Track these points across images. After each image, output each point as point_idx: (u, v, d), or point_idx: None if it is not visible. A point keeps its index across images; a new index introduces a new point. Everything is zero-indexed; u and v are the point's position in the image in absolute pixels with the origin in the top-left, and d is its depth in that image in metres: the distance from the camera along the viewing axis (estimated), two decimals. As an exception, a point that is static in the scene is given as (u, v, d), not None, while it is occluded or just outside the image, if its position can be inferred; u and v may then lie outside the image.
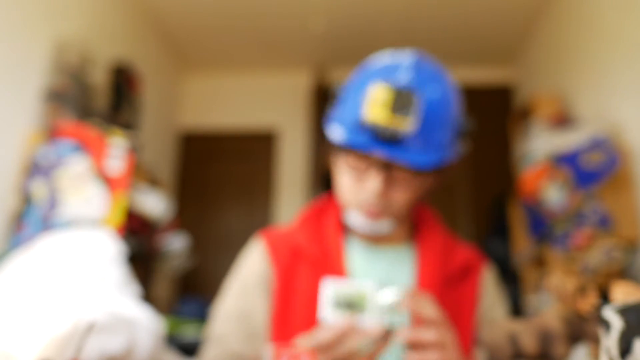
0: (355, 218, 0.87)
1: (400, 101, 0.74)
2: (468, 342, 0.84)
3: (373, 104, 0.74)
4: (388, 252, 0.92)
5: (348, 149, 0.83)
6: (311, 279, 0.87)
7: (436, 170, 0.86)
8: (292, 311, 0.86)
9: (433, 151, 0.80)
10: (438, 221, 0.98)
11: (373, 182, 0.81)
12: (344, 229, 0.94)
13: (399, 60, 0.83)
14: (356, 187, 0.85)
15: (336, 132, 0.85)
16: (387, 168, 0.81)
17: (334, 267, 0.87)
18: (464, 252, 0.93)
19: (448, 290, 0.87)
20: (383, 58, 0.87)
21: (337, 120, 0.86)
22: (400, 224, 0.93)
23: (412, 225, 0.98)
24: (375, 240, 0.92)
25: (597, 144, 2.28)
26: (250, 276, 0.92)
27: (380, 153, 0.78)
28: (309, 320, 0.83)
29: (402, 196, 0.85)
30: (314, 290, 0.84)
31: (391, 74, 0.79)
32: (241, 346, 0.88)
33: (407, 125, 0.74)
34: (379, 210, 0.84)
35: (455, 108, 0.87)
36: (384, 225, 0.87)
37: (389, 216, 0.86)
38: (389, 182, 0.82)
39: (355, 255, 0.91)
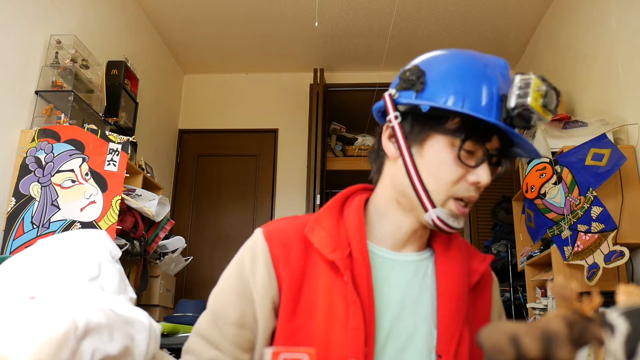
0: (443, 215, 0.79)
1: (552, 97, 0.77)
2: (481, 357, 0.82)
3: (533, 92, 0.75)
4: (410, 261, 0.86)
5: (469, 131, 0.78)
6: (327, 287, 0.80)
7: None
8: (303, 320, 0.79)
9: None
10: None
11: (485, 171, 0.78)
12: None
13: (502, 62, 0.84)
14: (457, 177, 0.79)
15: (453, 106, 0.78)
16: (499, 157, 0.81)
17: (358, 280, 0.79)
18: (484, 262, 0.89)
19: (467, 300, 0.85)
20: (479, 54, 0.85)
21: (436, 98, 0.79)
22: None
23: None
24: (398, 247, 0.86)
25: (600, 144, 2.27)
26: (256, 290, 0.83)
27: (516, 137, 0.78)
28: (326, 329, 0.78)
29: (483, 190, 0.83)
30: (330, 304, 0.79)
31: (506, 70, 0.81)
32: (234, 353, 0.83)
33: (549, 119, 0.77)
34: (468, 208, 0.81)
35: None
36: (462, 224, 0.82)
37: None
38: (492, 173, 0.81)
39: (378, 265, 0.84)
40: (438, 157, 0.79)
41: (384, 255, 0.85)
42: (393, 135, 0.83)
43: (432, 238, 0.90)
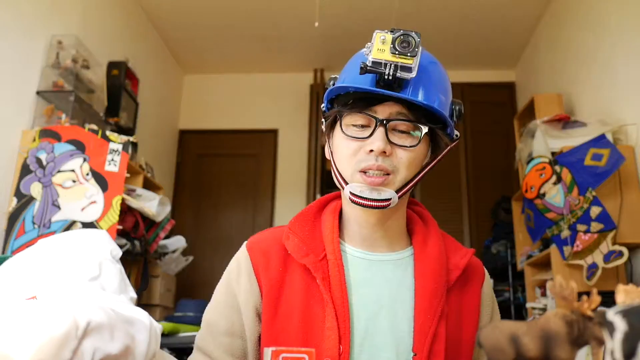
0: (355, 189, 0.81)
1: (405, 41, 0.76)
2: (470, 349, 0.85)
3: (378, 45, 0.75)
4: (387, 261, 0.88)
5: (349, 105, 0.81)
6: (303, 291, 0.83)
7: (434, 142, 0.86)
8: (283, 323, 0.83)
9: (432, 98, 0.81)
10: (434, 223, 0.95)
11: (376, 138, 0.80)
12: (341, 234, 0.90)
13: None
14: (356, 152, 0.82)
15: (333, 90, 0.84)
16: (389, 122, 0.81)
17: (332, 281, 0.82)
18: (465, 257, 0.89)
19: (450, 296, 0.86)
20: None
21: (332, 91, 0.85)
22: (399, 210, 0.89)
23: (408, 229, 0.94)
24: (373, 247, 0.88)
25: (600, 144, 2.27)
26: (242, 300, 0.87)
27: (386, 93, 0.78)
28: (304, 330, 0.81)
29: (405, 156, 0.82)
30: (307, 306, 0.82)
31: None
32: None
33: (412, 63, 0.76)
34: (382, 178, 0.81)
35: (448, 82, 0.88)
36: (387, 196, 0.81)
37: (392, 185, 0.82)
38: (391, 139, 0.81)
39: (354, 265, 0.86)
40: (337, 141, 0.85)
41: (359, 256, 0.87)
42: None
43: (412, 236, 0.92)
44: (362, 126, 0.82)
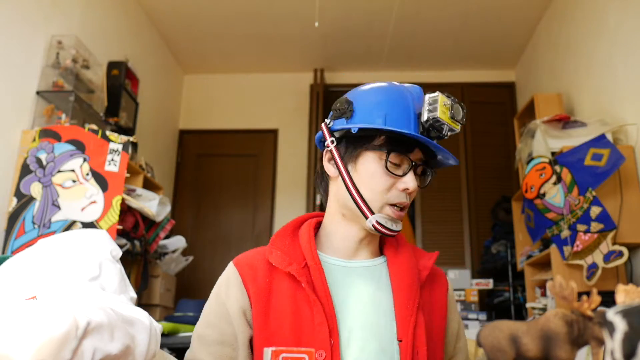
0: (382, 219, 0.92)
1: (458, 110, 0.93)
2: (441, 337, 0.98)
3: (442, 108, 0.90)
4: (364, 267, 0.98)
5: (393, 145, 0.92)
6: (291, 296, 0.91)
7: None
8: (275, 326, 0.90)
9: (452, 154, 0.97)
10: (402, 236, 1.05)
11: (412, 178, 0.92)
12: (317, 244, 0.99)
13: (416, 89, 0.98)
14: (390, 187, 0.93)
15: (377, 125, 0.92)
16: (418, 166, 0.95)
17: (315, 284, 0.90)
18: (431, 258, 1.01)
19: (423, 291, 0.97)
20: (390, 84, 1.00)
21: (364, 121, 0.93)
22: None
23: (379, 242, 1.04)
24: (351, 257, 0.98)
25: (600, 144, 2.27)
26: (230, 306, 0.94)
27: (432, 145, 0.92)
28: (295, 330, 0.88)
29: (415, 193, 0.95)
30: (296, 308, 0.89)
31: (419, 94, 0.96)
32: None
33: (458, 129, 0.93)
34: (403, 212, 0.95)
35: None
36: (400, 227, 0.95)
37: (403, 217, 0.95)
38: (420, 181, 0.95)
39: (334, 272, 0.95)
40: (369, 170, 0.93)
41: (338, 264, 0.97)
42: (332, 158, 0.97)
43: (383, 246, 1.03)
44: (396, 165, 0.93)
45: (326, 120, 0.99)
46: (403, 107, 0.93)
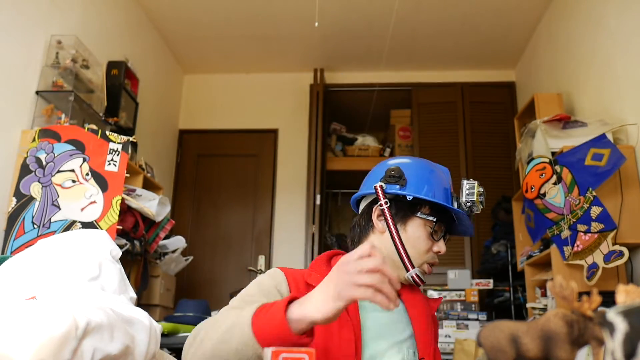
0: (419, 273, 1.12)
1: (483, 196, 1.17)
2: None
3: (477, 194, 1.16)
4: None
5: (438, 216, 1.14)
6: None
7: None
8: None
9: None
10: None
11: (443, 244, 1.16)
12: None
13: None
14: (429, 249, 1.14)
15: (428, 197, 1.14)
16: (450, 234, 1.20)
17: (349, 312, 1.04)
18: (436, 302, 1.21)
19: (432, 323, 1.17)
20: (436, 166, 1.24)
21: (415, 191, 1.14)
22: None
23: None
24: None
25: (600, 144, 2.27)
26: (279, 287, 1.05)
27: (467, 220, 1.19)
28: (325, 339, 1.00)
29: None
30: (326, 328, 0.99)
31: (448, 173, 1.24)
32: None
33: (480, 210, 1.17)
34: (433, 267, 1.17)
35: None
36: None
37: None
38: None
39: (364, 302, 1.09)
40: (416, 234, 1.14)
41: None
42: (381, 215, 1.15)
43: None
44: (436, 232, 1.15)
45: (381, 183, 1.15)
46: (442, 184, 1.17)
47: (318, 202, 3.72)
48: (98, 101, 2.78)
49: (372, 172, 1.23)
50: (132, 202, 2.47)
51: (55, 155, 2.26)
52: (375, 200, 1.16)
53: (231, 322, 0.85)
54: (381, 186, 1.14)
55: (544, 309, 2.56)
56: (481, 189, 1.16)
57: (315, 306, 0.78)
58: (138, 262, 2.69)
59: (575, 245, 2.24)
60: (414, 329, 1.12)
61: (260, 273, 4.01)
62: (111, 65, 3.03)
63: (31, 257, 1.24)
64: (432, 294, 3.17)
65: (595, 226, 2.18)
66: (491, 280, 3.29)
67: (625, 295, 0.51)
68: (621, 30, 2.53)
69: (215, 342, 0.85)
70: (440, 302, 1.24)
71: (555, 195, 2.36)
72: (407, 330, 1.12)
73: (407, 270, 1.11)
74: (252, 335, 0.80)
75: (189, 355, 0.89)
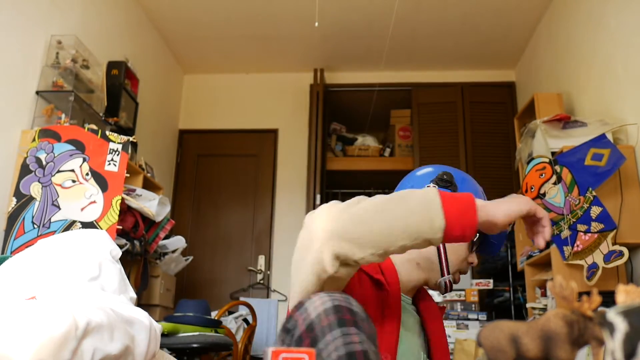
0: (451, 278, 1.16)
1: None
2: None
3: None
4: (408, 302, 1.19)
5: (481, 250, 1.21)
6: (374, 296, 1.05)
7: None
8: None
9: None
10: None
11: (475, 256, 1.20)
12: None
13: None
14: (465, 257, 1.17)
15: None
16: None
17: (392, 299, 1.08)
18: (442, 309, 1.26)
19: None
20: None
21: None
22: None
23: None
24: (404, 290, 1.16)
25: (600, 144, 2.27)
26: None
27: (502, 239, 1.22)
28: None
29: None
30: (374, 305, 1.03)
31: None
32: None
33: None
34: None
35: None
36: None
37: None
38: None
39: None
40: (462, 248, 1.16)
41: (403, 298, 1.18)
42: None
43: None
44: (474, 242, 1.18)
45: (431, 184, 1.15)
46: (484, 197, 1.17)
47: (318, 202, 3.72)
48: (98, 101, 2.78)
49: (409, 177, 1.24)
50: (132, 202, 2.47)
51: (55, 155, 2.26)
52: None
53: (407, 197, 0.85)
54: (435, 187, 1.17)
55: (544, 309, 2.56)
56: None
57: (502, 211, 0.90)
58: (138, 262, 2.69)
59: (575, 245, 2.24)
60: (431, 339, 1.16)
61: (260, 273, 4.02)
62: (111, 65, 3.03)
63: (31, 257, 1.24)
64: (432, 294, 3.16)
65: (595, 226, 2.18)
66: (491, 280, 3.29)
67: (625, 295, 0.51)
68: (621, 30, 2.53)
69: (389, 215, 0.82)
70: (444, 312, 1.29)
71: (555, 195, 2.36)
72: (419, 337, 1.16)
73: (442, 275, 1.13)
74: (443, 216, 0.82)
75: (346, 214, 0.81)
